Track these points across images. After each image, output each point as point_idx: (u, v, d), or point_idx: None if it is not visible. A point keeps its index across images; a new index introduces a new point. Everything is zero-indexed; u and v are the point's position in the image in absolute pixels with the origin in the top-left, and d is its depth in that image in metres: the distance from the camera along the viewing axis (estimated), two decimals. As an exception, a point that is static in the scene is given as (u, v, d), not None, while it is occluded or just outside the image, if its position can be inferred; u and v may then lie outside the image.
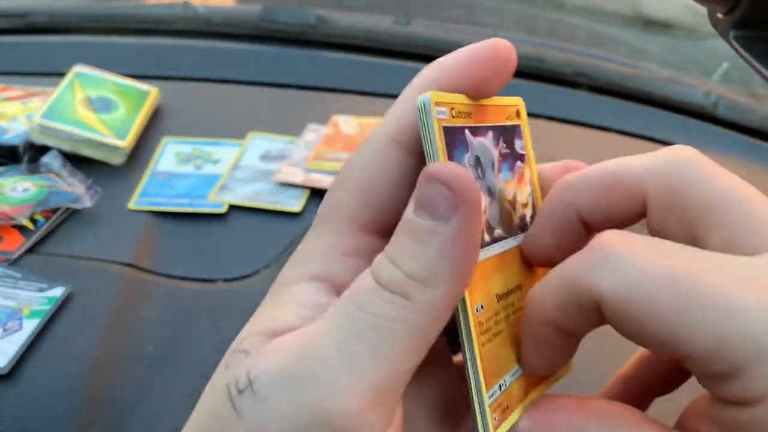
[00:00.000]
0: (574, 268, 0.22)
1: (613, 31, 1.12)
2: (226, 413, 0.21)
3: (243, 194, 0.70)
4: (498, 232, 0.25)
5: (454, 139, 0.23)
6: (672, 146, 0.24)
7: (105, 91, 0.80)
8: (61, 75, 0.80)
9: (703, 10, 0.41)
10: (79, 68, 0.81)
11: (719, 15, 0.39)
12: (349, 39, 0.91)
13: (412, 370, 0.22)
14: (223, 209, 0.68)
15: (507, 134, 0.26)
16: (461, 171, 0.21)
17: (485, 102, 0.25)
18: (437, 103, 0.22)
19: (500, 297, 0.25)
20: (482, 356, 0.23)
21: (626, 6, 1.20)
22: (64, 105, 0.76)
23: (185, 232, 0.66)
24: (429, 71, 0.24)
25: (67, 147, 0.72)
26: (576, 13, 1.19)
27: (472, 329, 0.23)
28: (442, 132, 0.22)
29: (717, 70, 0.93)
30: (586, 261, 0.22)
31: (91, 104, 0.78)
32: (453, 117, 0.23)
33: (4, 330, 0.54)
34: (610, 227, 0.23)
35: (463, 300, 0.23)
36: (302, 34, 0.92)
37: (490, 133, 0.25)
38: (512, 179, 0.26)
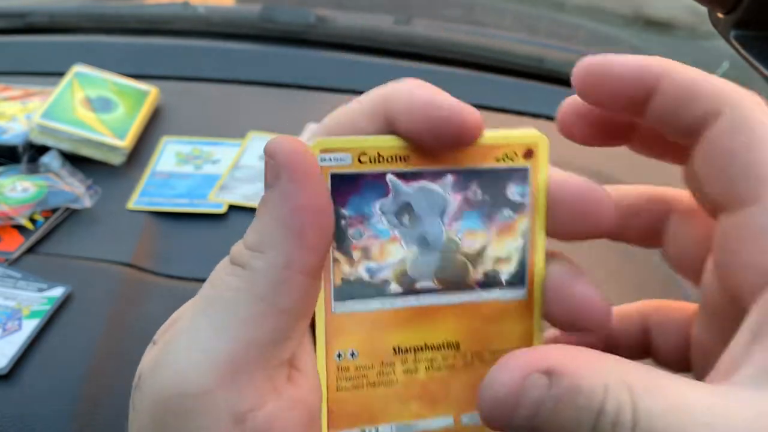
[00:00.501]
0: None
1: (613, 31, 1.12)
2: (130, 406, 0.23)
3: (243, 194, 0.70)
4: (423, 284, 0.24)
5: (354, 185, 0.23)
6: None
7: (105, 91, 0.80)
8: (61, 75, 0.80)
9: (703, 10, 0.41)
10: (78, 68, 0.81)
11: (719, 15, 0.39)
12: (349, 39, 0.91)
13: (267, 339, 0.21)
14: (223, 209, 0.68)
15: (489, 179, 0.24)
16: (285, 140, 0.21)
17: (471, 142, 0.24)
18: (325, 150, 0.22)
19: (402, 350, 0.24)
20: (332, 400, 0.24)
21: (626, 6, 1.20)
22: (63, 105, 0.76)
23: (185, 232, 0.66)
24: (383, 100, 0.23)
25: (66, 147, 0.72)
26: (576, 13, 1.19)
27: (320, 363, 0.23)
28: (327, 178, 0.22)
29: (717, 70, 0.93)
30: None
31: (90, 104, 0.78)
32: (361, 163, 0.23)
33: (4, 330, 0.54)
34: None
35: (316, 329, 0.23)
36: (302, 34, 0.92)
37: (449, 178, 0.24)
38: (483, 230, 0.24)
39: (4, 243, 0.63)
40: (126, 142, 0.74)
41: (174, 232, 0.66)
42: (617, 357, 0.20)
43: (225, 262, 0.23)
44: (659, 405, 0.19)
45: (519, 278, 0.25)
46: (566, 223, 0.24)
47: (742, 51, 0.38)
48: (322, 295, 0.23)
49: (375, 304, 0.24)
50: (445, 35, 0.91)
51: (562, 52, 0.89)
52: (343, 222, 0.23)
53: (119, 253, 0.62)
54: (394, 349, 0.24)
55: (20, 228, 0.64)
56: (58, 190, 0.67)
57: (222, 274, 0.22)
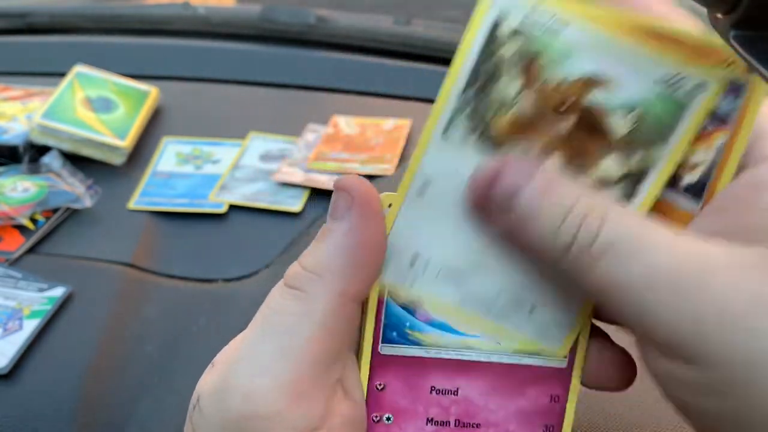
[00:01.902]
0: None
1: (613, 31, 1.12)
2: (187, 424, 0.24)
3: (243, 194, 0.70)
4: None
5: None
6: None
7: (105, 91, 0.80)
8: (61, 75, 0.80)
9: (702, 10, 0.41)
10: (79, 68, 0.81)
11: (718, 15, 0.39)
12: (349, 39, 0.91)
13: (325, 360, 0.23)
14: (223, 209, 0.68)
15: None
16: (359, 180, 0.23)
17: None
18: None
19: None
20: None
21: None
22: (64, 105, 0.76)
23: (185, 232, 0.66)
24: None
25: (67, 147, 0.72)
26: (576, 13, 1.19)
27: (363, 364, 0.25)
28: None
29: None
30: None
31: (91, 104, 0.78)
32: None
33: (5, 330, 0.54)
34: None
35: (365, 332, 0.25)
36: (302, 34, 0.92)
37: None
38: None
39: (4, 243, 0.63)
40: (126, 142, 0.74)
41: (174, 232, 0.66)
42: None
43: (280, 285, 0.24)
44: (628, 219, 0.21)
45: (698, 189, 0.25)
46: None
47: (742, 51, 0.38)
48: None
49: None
50: (444, 36, 0.91)
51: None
52: None
53: (119, 253, 0.62)
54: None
55: (21, 228, 0.64)
56: (58, 190, 0.67)
57: (279, 298, 0.24)
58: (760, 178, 0.22)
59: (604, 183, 0.24)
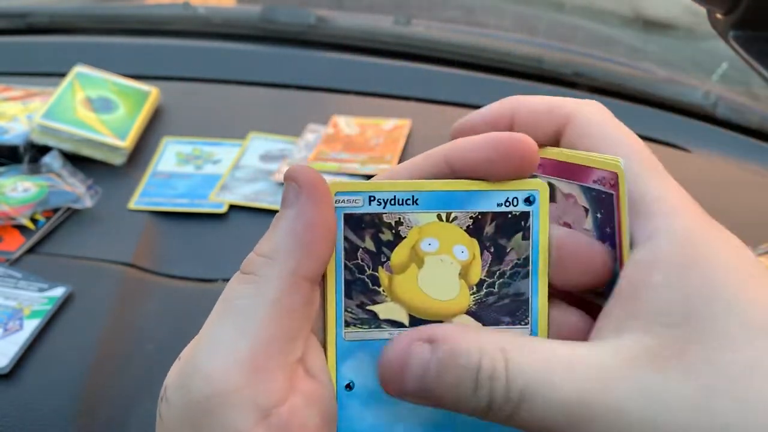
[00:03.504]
0: None
1: (613, 31, 1.12)
2: (157, 418, 0.25)
3: (243, 194, 0.70)
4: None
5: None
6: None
7: (105, 92, 0.80)
8: (62, 75, 0.80)
9: (702, 10, 0.41)
10: (79, 69, 0.81)
11: (718, 15, 0.40)
12: (349, 39, 0.91)
13: (282, 337, 0.24)
14: (223, 209, 0.68)
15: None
16: (305, 168, 0.25)
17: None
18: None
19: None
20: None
21: (626, 6, 1.21)
22: (64, 105, 0.76)
23: (185, 232, 0.67)
24: (443, 149, 0.26)
25: (67, 147, 0.72)
26: (576, 13, 1.20)
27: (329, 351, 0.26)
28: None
29: (716, 70, 0.93)
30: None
31: (91, 104, 0.78)
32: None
33: (5, 330, 0.54)
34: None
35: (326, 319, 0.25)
36: (302, 34, 0.92)
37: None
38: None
39: (5, 243, 0.63)
40: (127, 143, 0.74)
41: (174, 232, 0.66)
42: (495, 329, 0.25)
43: (237, 275, 0.25)
44: (528, 358, 0.22)
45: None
46: (567, 278, 0.26)
47: (741, 51, 0.39)
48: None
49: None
50: (444, 36, 0.91)
51: (561, 53, 0.89)
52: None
53: (120, 253, 0.63)
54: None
55: (21, 228, 0.64)
56: (59, 190, 0.67)
57: (234, 284, 0.25)
58: (643, 258, 0.23)
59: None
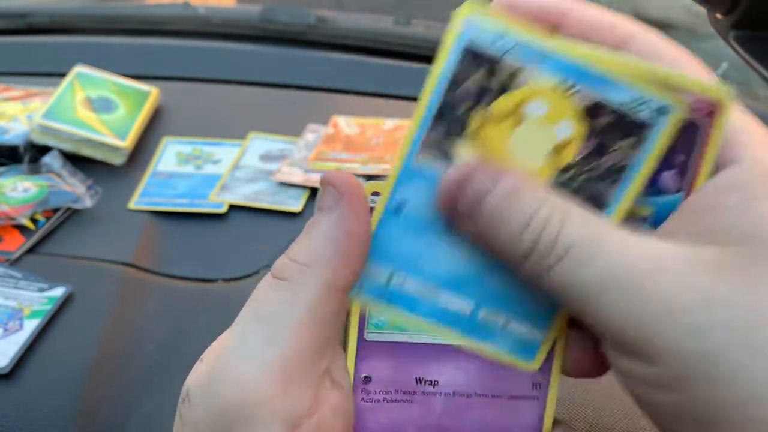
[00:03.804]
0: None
1: (612, 31, 1.12)
2: (177, 420, 0.24)
3: (243, 194, 0.70)
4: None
5: None
6: None
7: (105, 92, 0.80)
8: (62, 75, 0.80)
9: (702, 10, 0.41)
10: (79, 69, 0.81)
11: (718, 15, 0.40)
12: (349, 39, 0.91)
13: (313, 348, 0.23)
14: (223, 209, 0.68)
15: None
16: (345, 174, 0.24)
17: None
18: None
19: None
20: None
21: (626, 6, 1.20)
22: (64, 105, 0.76)
23: (185, 232, 0.67)
24: None
25: (67, 147, 0.72)
26: (576, 13, 1.19)
27: (349, 354, 0.25)
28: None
29: (717, 70, 0.93)
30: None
31: (91, 104, 0.78)
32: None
33: (5, 330, 0.54)
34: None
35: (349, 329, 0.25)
36: (302, 34, 0.92)
37: None
38: None
39: (5, 243, 0.63)
40: (127, 143, 0.74)
41: (174, 232, 0.66)
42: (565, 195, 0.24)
43: (267, 277, 0.25)
44: (586, 224, 0.22)
45: None
46: None
47: (741, 51, 0.39)
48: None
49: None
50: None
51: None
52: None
53: (120, 253, 0.62)
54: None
55: (21, 228, 0.64)
56: (59, 190, 0.67)
57: (267, 288, 0.24)
58: (725, 180, 0.23)
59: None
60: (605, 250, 0.21)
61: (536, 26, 0.24)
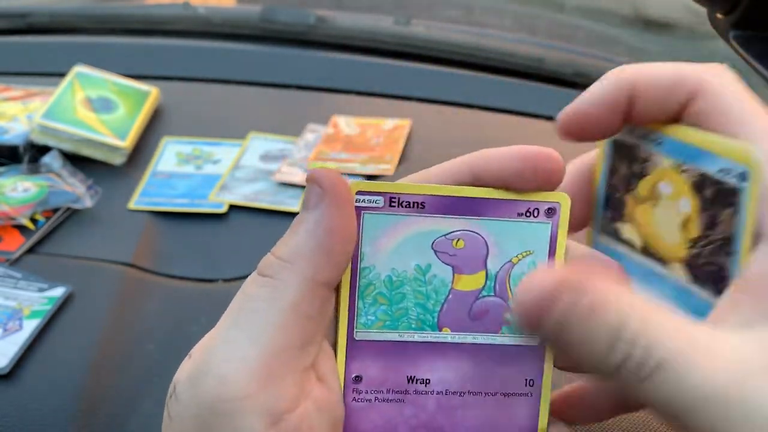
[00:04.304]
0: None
1: (613, 31, 1.12)
2: (165, 415, 0.24)
3: (243, 194, 0.70)
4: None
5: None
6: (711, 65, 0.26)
7: (105, 91, 0.80)
8: (62, 75, 0.80)
9: (702, 10, 0.41)
10: (79, 68, 0.81)
11: (719, 15, 0.40)
12: (349, 39, 0.91)
13: (296, 344, 0.23)
14: (223, 209, 0.68)
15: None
16: (329, 171, 0.24)
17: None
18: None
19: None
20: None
21: (626, 6, 1.20)
22: (64, 105, 0.76)
23: (185, 232, 0.67)
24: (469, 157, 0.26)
25: (67, 147, 0.72)
26: (576, 13, 1.19)
27: (339, 348, 0.26)
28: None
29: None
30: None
31: (91, 104, 0.78)
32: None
33: (5, 330, 0.54)
34: (650, 118, 0.26)
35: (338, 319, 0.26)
36: (302, 34, 0.92)
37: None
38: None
39: (4, 243, 0.63)
40: (127, 143, 0.74)
41: (174, 232, 0.66)
42: (644, 296, 0.23)
43: (253, 275, 0.25)
44: (670, 334, 0.21)
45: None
46: None
47: (742, 51, 0.38)
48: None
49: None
50: (444, 36, 0.91)
51: (562, 52, 0.89)
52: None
53: (120, 253, 0.62)
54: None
55: (21, 228, 0.64)
56: (58, 190, 0.67)
57: (252, 286, 0.24)
58: None
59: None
60: (697, 364, 0.21)
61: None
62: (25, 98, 0.79)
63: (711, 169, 0.24)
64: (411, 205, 0.25)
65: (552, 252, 0.26)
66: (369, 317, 0.26)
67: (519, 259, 0.26)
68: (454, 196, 0.25)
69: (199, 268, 0.62)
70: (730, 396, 0.21)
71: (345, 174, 0.72)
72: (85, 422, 0.49)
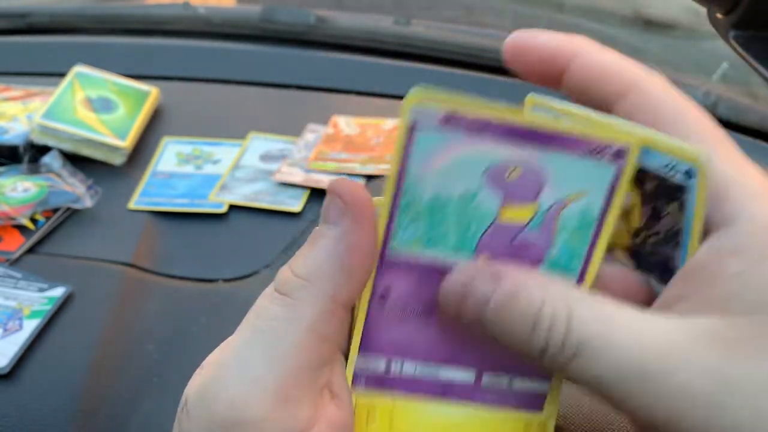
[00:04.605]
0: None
1: (613, 31, 1.12)
2: (176, 426, 0.24)
3: (243, 194, 0.70)
4: None
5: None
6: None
7: (105, 91, 0.80)
8: (62, 75, 0.80)
9: (703, 10, 0.41)
10: (79, 68, 0.81)
11: (719, 15, 0.40)
12: (349, 39, 0.91)
13: (312, 365, 0.23)
14: (223, 209, 0.68)
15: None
16: (353, 184, 0.23)
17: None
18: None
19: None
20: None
21: (626, 6, 1.20)
22: (64, 105, 0.76)
23: (185, 232, 0.67)
24: None
25: (67, 147, 0.72)
26: (576, 13, 1.19)
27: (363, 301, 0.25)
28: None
29: (717, 70, 0.93)
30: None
31: (91, 104, 0.78)
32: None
33: (5, 330, 0.54)
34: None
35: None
36: (302, 34, 0.92)
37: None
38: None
39: (4, 243, 0.63)
40: (127, 143, 0.74)
41: (174, 232, 0.66)
42: (564, 281, 0.24)
43: (270, 290, 0.24)
44: (592, 313, 0.22)
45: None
46: None
47: (742, 51, 0.38)
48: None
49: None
50: (445, 36, 0.91)
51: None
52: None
53: (120, 253, 0.62)
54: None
55: (21, 228, 0.64)
56: (58, 190, 0.67)
57: (268, 303, 0.24)
58: (721, 244, 0.23)
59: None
60: (616, 342, 0.21)
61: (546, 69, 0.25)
62: (25, 98, 0.79)
63: (655, 164, 0.24)
64: (470, 126, 0.23)
65: (608, 199, 0.24)
66: (406, 235, 0.24)
67: (572, 200, 0.24)
68: (518, 124, 0.23)
69: (199, 268, 0.62)
70: (649, 371, 0.21)
71: (345, 174, 0.72)
72: (85, 422, 0.49)
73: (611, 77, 0.25)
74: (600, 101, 0.25)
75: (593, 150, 0.23)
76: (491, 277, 0.23)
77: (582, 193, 0.24)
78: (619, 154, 0.23)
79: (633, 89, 0.24)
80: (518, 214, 0.24)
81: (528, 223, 0.25)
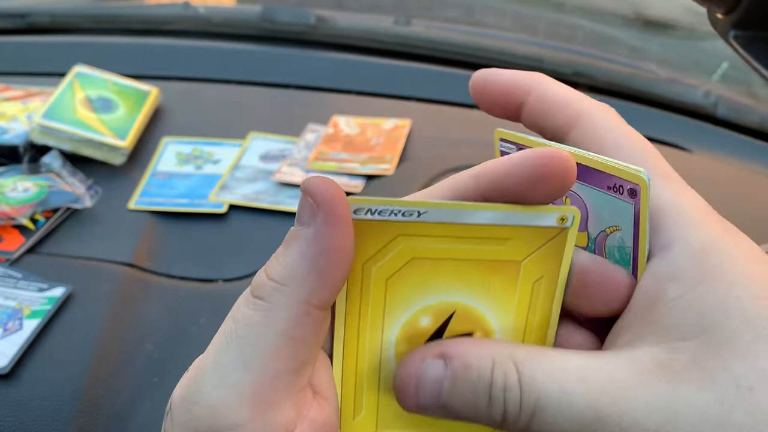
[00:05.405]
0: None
1: (613, 31, 1.12)
2: (162, 429, 0.24)
3: (243, 194, 0.70)
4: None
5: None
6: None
7: (105, 91, 0.80)
8: (62, 75, 0.80)
9: (702, 10, 0.41)
10: (79, 68, 0.81)
11: (719, 15, 0.40)
12: (349, 39, 0.91)
13: (290, 369, 0.23)
14: (223, 209, 0.68)
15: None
16: (326, 182, 0.23)
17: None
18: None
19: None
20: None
21: (626, 6, 1.20)
22: (64, 105, 0.76)
23: (185, 232, 0.67)
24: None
25: (67, 147, 0.72)
26: (576, 13, 1.19)
27: (341, 365, 0.25)
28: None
29: (717, 70, 0.93)
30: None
31: (91, 104, 0.78)
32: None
33: (5, 330, 0.54)
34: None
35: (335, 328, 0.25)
36: (302, 34, 0.92)
37: None
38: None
39: (5, 243, 0.63)
40: (126, 143, 0.74)
41: (174, 232, 0.66)
42: (506, 341, 0.25)
43: (246, 294, 0.24)
44: (541, 369, 0.22)
45: None
46: (589, 304, 0.25)
47: (741, 51, 0.38)
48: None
49: None
50: (444, 36, 0.91)
51: (561, 53, 0.89)
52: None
53: (120, 253, 0.62)
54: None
55: (21, 228, 0.64)
56: (58, 190, 0.67)
57: (244, 306, 0.23)
58: (659, 270, 0.23)
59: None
60: (569, 392, 0.22)
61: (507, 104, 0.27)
62: (25, 98, 0.79)
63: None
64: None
65: (636, 233, 0.25)
66: None
67: (611, 232, 0.25)
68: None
69: (199, 268, 0.62)
70: (606, 420, 0.21)
71: (344, 174, 0.72)
72: (84, 422, 0.49)
73: (561, 110, 0.26)
74: (554, 132, 0.26)
75: (613, 187, 0.25)
76: (439, 357, 0.23)
77: (616, 227, 0.25)
78: (633, 193, 0.24)
79: (580, 121, 0.26)
80: (577, 240, 0.25)
81: (584, 249, 0.26)
